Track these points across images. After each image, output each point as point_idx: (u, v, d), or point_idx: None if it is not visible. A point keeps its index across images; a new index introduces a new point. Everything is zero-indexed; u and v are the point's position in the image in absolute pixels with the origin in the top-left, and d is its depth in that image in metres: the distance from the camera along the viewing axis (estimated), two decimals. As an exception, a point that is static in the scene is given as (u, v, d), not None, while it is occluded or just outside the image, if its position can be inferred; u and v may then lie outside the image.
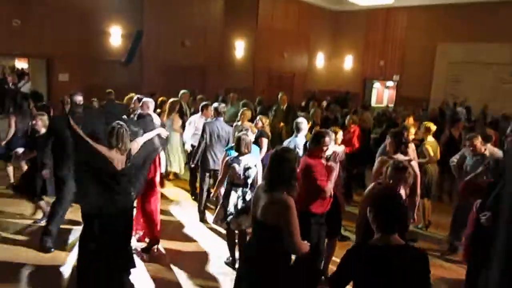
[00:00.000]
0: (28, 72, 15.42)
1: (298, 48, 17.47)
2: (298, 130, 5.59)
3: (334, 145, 5.33)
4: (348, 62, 18.69)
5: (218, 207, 4.66)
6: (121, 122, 4.03)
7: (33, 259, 4.64)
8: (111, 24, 11.82)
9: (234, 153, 5.15)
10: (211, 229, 5.82)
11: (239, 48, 15.35)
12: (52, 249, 4.84)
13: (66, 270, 4.46)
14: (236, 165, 4.45)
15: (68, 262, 4.62)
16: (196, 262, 4.89)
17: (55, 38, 10.63)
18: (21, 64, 18.07)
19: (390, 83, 19.13)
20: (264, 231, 2.77)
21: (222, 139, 6.12)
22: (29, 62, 14.72)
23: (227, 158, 4.63)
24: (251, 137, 5.02)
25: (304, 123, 5.65)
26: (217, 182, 4.86)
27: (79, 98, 6.25)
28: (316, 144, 3.95)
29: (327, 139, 3.94)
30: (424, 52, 16.13)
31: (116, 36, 11.94)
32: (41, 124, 5.41)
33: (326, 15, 18.35)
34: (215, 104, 6.50)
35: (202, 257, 5.05)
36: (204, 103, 7.20)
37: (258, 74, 15.91)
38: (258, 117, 6.69)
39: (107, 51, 11.85)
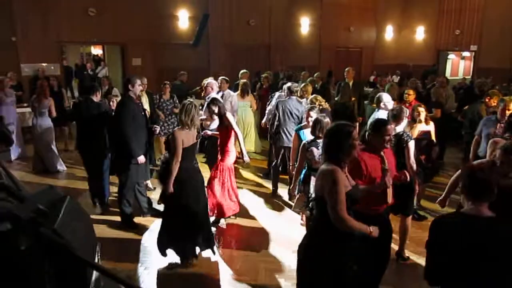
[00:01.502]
0: (103, 58, 16.31)
1: (365, 22, 16.77)
2: (379, 104, 5.44)
3: (420, 124, 5.09)
4: (420, 33, 17.60)
5: (297, 194, 4.59)
6: (191, 100, 4.28)
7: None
8: (178, 8, 12.09)
9: (304, 133, 5.12)
10: (283, 206, 5.86)
11: (304, 25, 15.04)
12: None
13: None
14: (314, 149, 4.31)
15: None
16: (264, 241, 4.90)
17: (128, 25, 11.08)
18: (96, 51, 19.16)
19: (466, 54, 17.81)
20: (316, 203, 2.77)
21: (295, 117, 6.12)
22: (104, 48, 15.56)
23: (303, 142, 4.55)
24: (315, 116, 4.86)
25: (386, 96, 5.44)
26: (296, 169, 4.73)
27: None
28: (375, 132, 3.33)
29: (389, 127, 3.34)
30: (506, 18, 14.75)
31: (183, 19, 12.21)
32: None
33: (395, -16, 17.39)
34: (289, 84, 6.50)
35: (272, 237, 5.04)
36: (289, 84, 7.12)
37: (324, 51, 15.54)
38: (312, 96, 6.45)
39: (175, 35, 12.17)
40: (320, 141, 4.28)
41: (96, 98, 5.49)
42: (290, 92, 6.26)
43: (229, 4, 12.77)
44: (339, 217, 2.49)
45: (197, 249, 4.33)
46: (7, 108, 7.57)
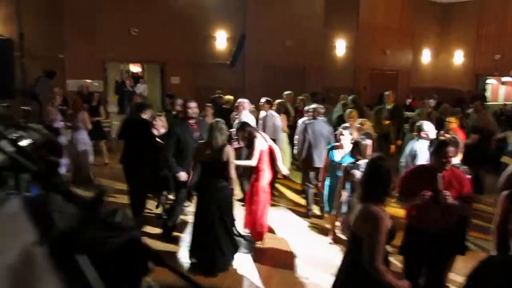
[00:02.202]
0: (142, 76, 16.87)
1: (401, 44, 16.67)
2: (419, 133, 5.22)
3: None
4: (458, 57, 17.32)
5: (342, 216, 4.61)
6: (219, 119, 4.56)
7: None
8: (216, 29, 12.42)
9: (334, 153, 5.18)
10: (317, 228, 5.83)
11: (340, 46, 15.11)
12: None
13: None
14: (356, 171, 4.32)
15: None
16: (298, 260, 4.88)
17: (168, 45, 11.47)
18: (135, 68, 19.84)
19: (507, 79, 17.33)
20: (353, 241, 2.68)
21: (325, 137, 6.14)
22: (143, 66, 16.13)
23: (344, 164, 4.57)
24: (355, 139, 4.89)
25: (428, 125, 5.27)
26: (337, 192, 4.75)
27: (179, 102, 6.61)
28: (436, 152, 3.35)
29: (450, 149, 3.29)
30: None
31: (221, 40, 12.52)
32: (161, 124, 5.85)
33: (432, 8, 17.25)
34: (314, 105, 6.57)
35: (305, 256, 5.02)
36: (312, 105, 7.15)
37: (359, 73, 15.51)
38: (360, 120, 6.47)
39: (213, 55, 12.48)
40: (360, 163, 4.30)
41: (145, 115, 5.68)
42: (317, 113, 6.30)
43: (266, 26, 13.01)
44: (374, 267, 2.42)
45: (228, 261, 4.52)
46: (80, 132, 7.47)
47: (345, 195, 4.53)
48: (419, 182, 3.30)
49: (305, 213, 6.39)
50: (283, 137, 8.09)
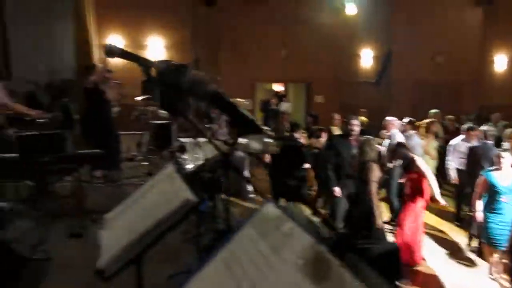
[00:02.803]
0: (285, 94, 17.62)
1: None
2: None
3: None
4: None
5: (497, 253, 4.21)
6: (368, 136, 4.86)
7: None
8: (362, 47, 12.38)
9: (497, 177, 4.77)
10: (472, 259, 5.33)
11: (500, 61, 13.63)
12: None
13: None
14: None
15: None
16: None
17: (314, 64, 11.84)
18: (278, 87, 20.79)
19: None
20: None
21: (490, 163, 5.64)
22: (285, 85, 16.84)
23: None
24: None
25: None
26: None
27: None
28: None
29: None
30: None
31: (366, 58, 12.44)
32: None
33: None
34: (485, 127, 6.09)
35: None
36: (469, 125, 6.69)
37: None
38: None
39: (358, 73, 12.45)
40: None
41: (298, 135, 6.04)
42: (485, 136, 5.86)
43: (413, 42, 12.47)
44: None
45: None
46: None
47: None
48: None
49: (458, 242, 5.94)
50: (428, 160, 7.60)
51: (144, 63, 1.49)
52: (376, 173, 4.55)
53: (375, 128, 9.36)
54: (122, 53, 1.61)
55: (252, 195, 8.02)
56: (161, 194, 1.55)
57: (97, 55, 9.86)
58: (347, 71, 12.28)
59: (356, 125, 5.30)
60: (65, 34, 9.58)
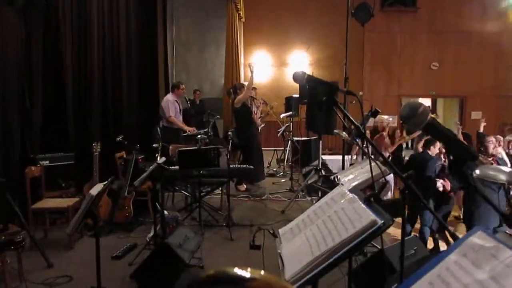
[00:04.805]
0: (433, 110, 16.26)
1: None
2: None
3: None
4: None
5: None
6: None
7: None
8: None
9: None
10: None
11: None
12: None
13: None
14: None
15: None
16: None
17: (469, 77, 10.68)
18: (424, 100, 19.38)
19: None
20: None
21: None
22: (432, 100, 15.55)
23: None
24: None
25: None
26: None
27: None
28: None
29: None
30: None
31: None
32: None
33: None
34: None
35: None
36: None
37: None
38: None
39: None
40: None
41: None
42: None
43: None
44: None
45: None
46: None
47: None
48: None
49: None
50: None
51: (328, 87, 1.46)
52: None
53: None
54: (308, 79, 1.65)
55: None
56: (339, 214, 1.54)
57: (243, 74, 10.46)
58: (508, 85, 10.77)
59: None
60: (217, 59, 10.48)
